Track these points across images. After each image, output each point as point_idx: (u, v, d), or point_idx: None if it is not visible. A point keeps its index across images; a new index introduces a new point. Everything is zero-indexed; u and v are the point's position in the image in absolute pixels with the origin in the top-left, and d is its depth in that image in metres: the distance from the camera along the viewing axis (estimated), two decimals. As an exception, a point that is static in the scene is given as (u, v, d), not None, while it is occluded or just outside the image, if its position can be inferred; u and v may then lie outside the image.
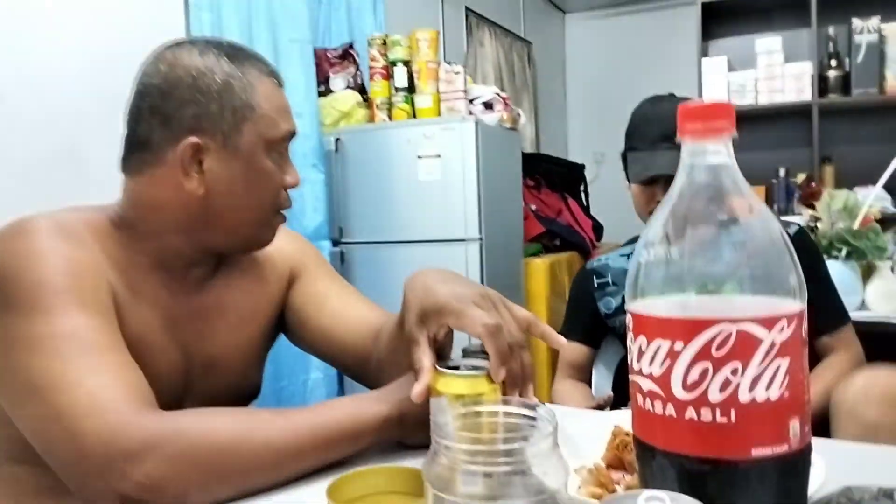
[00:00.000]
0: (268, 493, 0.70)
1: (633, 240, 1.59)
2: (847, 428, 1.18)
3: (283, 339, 1.07)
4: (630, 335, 0.50)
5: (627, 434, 0.71)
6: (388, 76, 2.61)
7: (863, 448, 0.90)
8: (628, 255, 1.58)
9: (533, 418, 0.53)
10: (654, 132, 1.41)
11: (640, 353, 0.49)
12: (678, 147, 0.50)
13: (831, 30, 3.51)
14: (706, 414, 0.45)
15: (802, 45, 3.62)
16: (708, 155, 0.49)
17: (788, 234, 0.84)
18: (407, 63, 2.59)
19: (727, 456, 0.45)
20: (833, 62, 3.51)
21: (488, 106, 2.58)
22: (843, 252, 2.02)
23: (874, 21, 3.37)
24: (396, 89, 2.59)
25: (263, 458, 0.70)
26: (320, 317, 1.00)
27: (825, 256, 1.83)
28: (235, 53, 0.86)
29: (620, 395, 1.39)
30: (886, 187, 2.47)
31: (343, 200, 2.59)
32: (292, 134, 0.89)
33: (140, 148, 0.85)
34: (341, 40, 2.80)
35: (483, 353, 0.72)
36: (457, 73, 2.53)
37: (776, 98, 3.57)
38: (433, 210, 2.47)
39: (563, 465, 0.50)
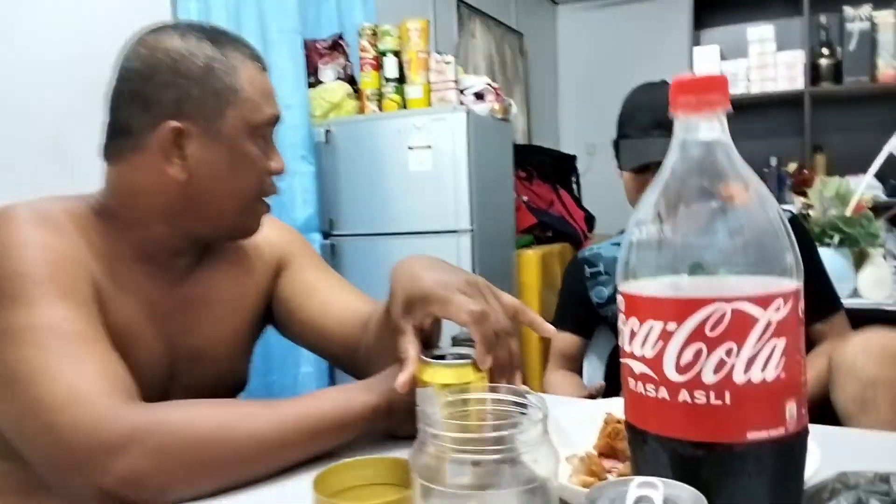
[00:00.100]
0: (254, 486, 0.69)
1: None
2: (846, 385, 1.18)
3: (273, 334, 1.05)
4: (621, 317, 0.49)
5: (619, 422, 0.70)
6: (379, 66, 2.58)
7: (858, 433, 0.90)
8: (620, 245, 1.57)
9: (523, 405, 0.52)
10: (646, 119, 1.40)
11: (632, 335, 0.47)
12: (671, 134, 0.49)
13: (823, 18, 3.51)
14: (700, 396, 0.44)
15: (794, 33, 3.61)
16: (701, 130, 0.48)
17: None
18: (397, 53, 2.57)
19: (722, 440, 0.44)
20: (825, 50, 3.51)
21: (479, 96, 2.56)
22: (836, 239, 2.02)
23: (866, 9, 3.37)
24: (387, 80, 2.57)
25: (249, 450, 0.69)
26: (308, 307, 0.98)
27: (817, 244, 1.82)
28: (218, 37, 0.84)
29: (612, 385, 1.38)
30: (878, 176, 2.47)
31: (333, 192, 2.57)
32: (277, 118, 0.87)
33: (120, 134, 0.83)
34: (331, 31, 2.78)
35: (472, 342, 0.70)
36: (447, 62, 2.51)
37: (768, 87, 3.58)
38: (424, 201, 2.45)
39: (553, 452, 0.49)
